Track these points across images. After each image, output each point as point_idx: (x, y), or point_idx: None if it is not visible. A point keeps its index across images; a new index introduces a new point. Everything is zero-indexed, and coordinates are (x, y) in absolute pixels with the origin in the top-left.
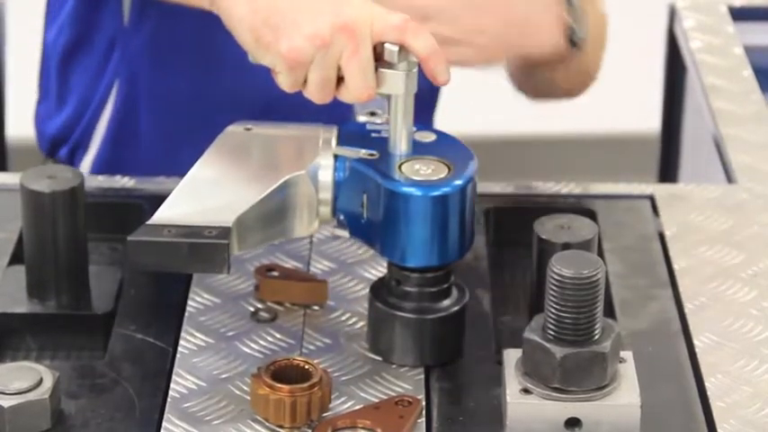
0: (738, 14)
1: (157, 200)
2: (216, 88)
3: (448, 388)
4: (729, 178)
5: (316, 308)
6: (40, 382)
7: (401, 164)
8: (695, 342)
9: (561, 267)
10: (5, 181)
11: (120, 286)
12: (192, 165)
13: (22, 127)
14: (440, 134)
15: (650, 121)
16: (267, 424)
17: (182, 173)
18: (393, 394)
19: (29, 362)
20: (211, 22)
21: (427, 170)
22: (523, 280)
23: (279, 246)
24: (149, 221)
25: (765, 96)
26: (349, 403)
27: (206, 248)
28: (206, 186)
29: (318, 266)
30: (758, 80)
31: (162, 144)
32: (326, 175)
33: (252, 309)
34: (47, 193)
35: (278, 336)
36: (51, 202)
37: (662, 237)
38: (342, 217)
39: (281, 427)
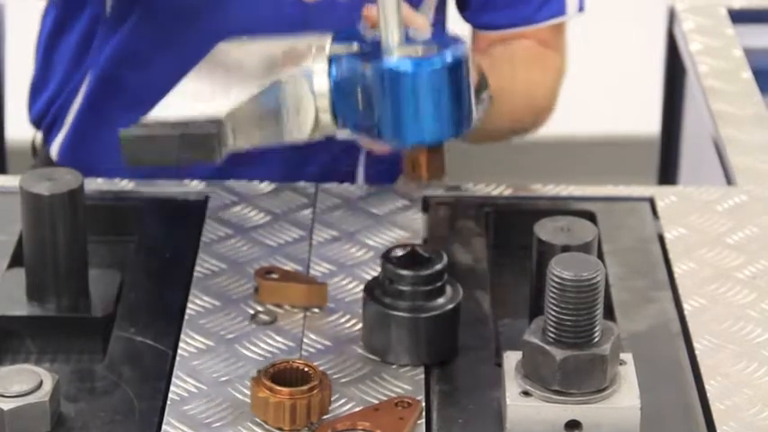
0: (738, 17)
1: (157, 202)
2: None
3: (448, 390)
4: (729, 180)
5: (315, 310)
6: (40, 384)
7: (393, 51)
8: (695, 344)
9: (561, 270)
10: (5, 183)
11: (119, 289)
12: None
13: (21, 129)
14: (435, 30)
15: (650, 123)
16: (267, 427)
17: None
18: (393, 396)
19: (29, 365)
20: (193, 23)
21: (419, 52)
22: (523, 282)
23: (278, 248)
24: (143, 118)
25: (765, 98)
26: (349, 405)
27: (196, 138)
28: (200, 89)
29: (318, 269)
30: (757, 82)
31: None
32: (322, 79)
33: (251, 311)
34: (46, 195)
35: (277, 338)
36: (51, 205)
37: (662, 239)
38: (341, 120)
39: (280, 429)
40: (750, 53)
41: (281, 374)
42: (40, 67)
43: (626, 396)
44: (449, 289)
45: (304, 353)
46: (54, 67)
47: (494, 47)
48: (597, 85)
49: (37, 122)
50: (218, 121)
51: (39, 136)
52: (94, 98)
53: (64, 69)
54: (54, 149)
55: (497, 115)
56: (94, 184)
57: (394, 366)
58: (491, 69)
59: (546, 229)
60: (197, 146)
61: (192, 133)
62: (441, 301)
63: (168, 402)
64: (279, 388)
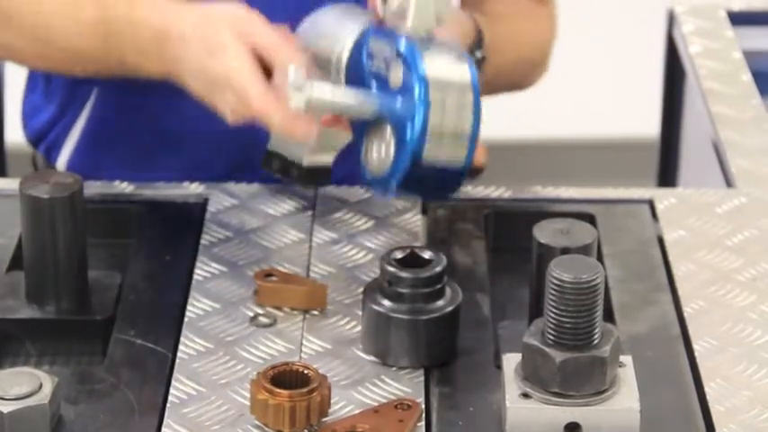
0: (737, 19)
1: (156, 205)
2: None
3: (447, 392)
4: (728, 182)
5: (315, 312)
6: (40, 387)
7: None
8: (694, 346)
9: (561, 272)
10: (5, 186)
11: (119, 291)
12: (167, 174)
13: (21, 133)
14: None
15: (649, 125)
16: (267, 429)
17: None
18: (392, 398)
19: (28, 367)
20: None
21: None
22: (523, 284)
23: (278, 250)
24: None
25: (764, 101)
26: (349, 407)
27: (300, 180)
28: None
29: (317, 271)
30: (757, 84)
31: (137, 154)
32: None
33: (251, 314)
34: (46, 198)
35: (277, 341)
36: (50, 208)
37: (661, 241)
38: None
39: None
40: (749, 55)
41: (280, 377)
42: (36, 84)
43: (625, 398)
44: (448, 291)
45: (304, 355)
46: (55, 88)
47: (487, 2)
48: (597, 88)
49: (35, 141)
50: (299, 166)
51: (39, 154)
52: (103, 110)
53: (66, 89)
54: (60, 165)
55: (491, 69)
56: (94, 187)
57: (393, 368)
58: (487, 25)
59: (545, 232)
60: (307, 182)
61: (297, 178)
62: (440, 303)
63: (168, 405)
64: (278, 390)
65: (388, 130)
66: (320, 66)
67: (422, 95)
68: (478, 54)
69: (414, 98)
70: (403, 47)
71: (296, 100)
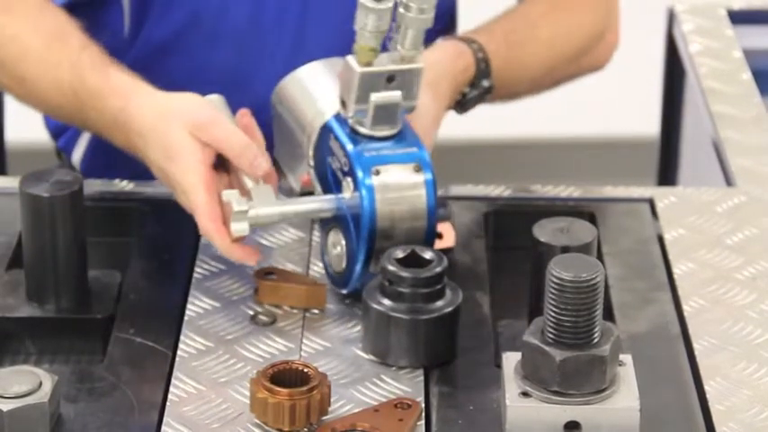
0: (737, 18)
1: (156, 203)
2: None
3: (447, 391)
4: (728, 181)
5: (315, 311)
6: (40, 385)
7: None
8: (694, 345)
9: (560, 270)
10: (5, 185)
11: (119, 290)
12: None
13: (21, 131)
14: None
15: (650, 124)
16: (266, 428)
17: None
18: (392, 397)
19: (28, 366)
20: (198, 26)
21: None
22: (523, 283)
23: (278, 249)
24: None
25: (764, 99)
26: (348, 406)
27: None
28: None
29: (318, 270)
30: (757, 83)
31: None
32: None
33: (251, 312)
34: (46, 197)
35: (277, 339)
36: (50, 206)
37: (661, 240)
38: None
39: (280, 430)
40: (750, 54)
41: (280, 375)
42: None
43: (625, 397)
44: (448, 291)
45: (303, 354)
46: None
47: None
48: (597, 87)
49: (55, 135)
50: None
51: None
52: None
53: None
54: (76, 159)
55: (520, 81)
56: (94, 185)
57: (393, 368)
58: (510, 38)
59: (545, 230)
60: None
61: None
62: (440, 303)
63: (168, 403)
64: (278, 389)
65: (341, 233)
66: (295, 123)
67: (369, 209)
68: (485, 83)
69: (361, 208)
70: (352, 162)
71: (237, 228)
